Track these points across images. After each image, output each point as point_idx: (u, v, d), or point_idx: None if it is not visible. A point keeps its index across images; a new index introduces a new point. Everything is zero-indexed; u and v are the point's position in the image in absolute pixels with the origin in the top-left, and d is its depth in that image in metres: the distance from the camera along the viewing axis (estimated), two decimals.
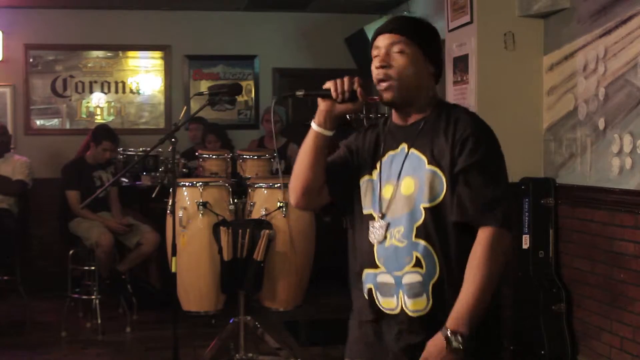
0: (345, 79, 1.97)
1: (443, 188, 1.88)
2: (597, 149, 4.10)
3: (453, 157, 1.88)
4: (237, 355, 4.21)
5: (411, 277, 1.90)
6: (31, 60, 6.91)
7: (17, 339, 5.12)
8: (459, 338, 1.80)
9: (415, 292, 1.90)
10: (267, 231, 4.13)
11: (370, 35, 6.15)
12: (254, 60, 7.21)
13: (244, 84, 7.10)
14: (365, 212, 2.00)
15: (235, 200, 4.38)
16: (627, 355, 3.86)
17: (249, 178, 4.52)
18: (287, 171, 5.50)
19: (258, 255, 4.10)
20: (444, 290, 1.88)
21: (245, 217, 4.35)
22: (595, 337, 4.17)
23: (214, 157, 4.78)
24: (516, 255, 4.49)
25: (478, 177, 1.87)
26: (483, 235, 1.86)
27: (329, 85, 1.96)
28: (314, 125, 1.99)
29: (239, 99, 7.16)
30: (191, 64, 7.17)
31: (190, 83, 7.16)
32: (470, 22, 4.51)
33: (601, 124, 4.04)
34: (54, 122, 7.03)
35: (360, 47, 6.00)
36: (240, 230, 4.12)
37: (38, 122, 6.98)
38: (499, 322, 2.03)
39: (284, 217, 4.23)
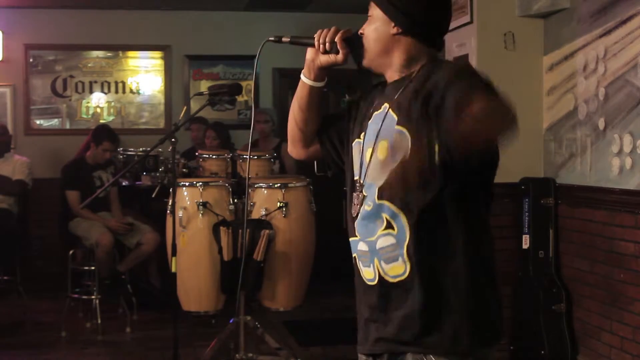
0: (330, 30, 1.93)
1: (407, 146, 1.75)
2: (597, 149, 4.10)
3: (427, 111, 1.73)
4: (237, 355, 4.21)
5: (384, 241, 1.81)
6: (31, 60, 6.91)
7: (17, 339, 5.13)
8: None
9: (390, 256, 1.80)
10: (267, 231, 4.13)
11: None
12: (254, 60, 7.20)
13: (244, 84, 7.10)
14: (354, 177, 1.93)
15: (235, 200, 4.38)
16: (627, 355, 3.86)
17: (250, 178, 4.52)
18: (282, 171, 5.53)
19: (258, 255, 4.10)
20: (420, 253, 1.76)
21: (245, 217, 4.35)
22: (595, 337, 4.17)
23: (214, 157, 4.78)
24: (516, 255, 4.49)
25: (457, 97, 1.67)
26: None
27: (316, 34, 1.94)
28: (301, 75, 1.99)
29: (239, 99, 7.16)
30: (191, 64, 7.17)
31: (190, 83, 7.16)
32: (470, 22, 4.51)
33: (601, 124, 4.04)
34: (54, 122, 7.03)
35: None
36: (240, 230, 4.12)
37: (38, 122, 6.98)
38: (498, 304, 1.90)
39: (284, 217, 4.23)
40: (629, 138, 3.80)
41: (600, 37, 4.04)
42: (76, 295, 5.39)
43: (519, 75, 4.58)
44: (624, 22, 3.84)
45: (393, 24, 1.86)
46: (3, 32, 6.75)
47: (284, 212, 4.22)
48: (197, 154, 5.02)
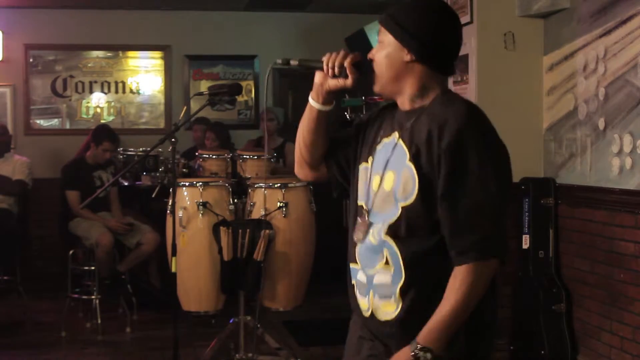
0: (339, 54, 1.90)
1: (415, 190, 1.76)
2: (597, 149, 4.10)
3: (432, 161, 1.74)
4: (237, 355, 4.21)
5: (381, 277, 1.82)
6: (31, 60, 6.91)
7: (17, 339, 5.13)
8: (428, 355, 1.70)
9: (384, 293, 1.81)
10: (267, 231, 4.13)
11: (370, 35, 6.18)
12: (254, 60, 7.21)
13: (244, 84, 7.10)
14: (358, 202, 1.92)
15: (235, 200, 4.38)
16: (627, 355, 3.86)
17: (249, 178, 4.52)
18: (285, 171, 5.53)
19: (258, 255, 4.10)
20: (412, 296, 1.77)
21: (245, 217, 4.35)
22: (595, 337, 4.17)
23: (214, 157, 4.77)
24: (516, 255, 4.49)
25: (461, 193, 1.71)
26: (460, 270, 1.72)
27: (324, 57, 1.92)
28: (310, 98, 1.97)
29: (239, 99, 7.16)
30: (191, 64, 7.17)
31: (190, 83, 7.16)
32: (470, 22, 4.51)
33: (601, 124, 4.04)
34: (54, 122, 7.03)
35: (360, 47, 5.99)
36: (240, 230, 4.11)
37: (38, 122, 6.98)
38: (492, 336, 1.88)
39: (284, 217, 4.22)
40: (629, 138, 3.80)
41: (600, 37, 4.04)
42: (76, 295, 5.39)
43: (519, 75, 4.58)
44: (624, 22, 3.84)
45: (406, 51, 1.83)
46: (3, 32, 6.75)
47: (284, 212, 4.22)
48: (197, 154, 5.02)
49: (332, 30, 6.95)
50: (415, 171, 1.76)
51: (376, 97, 4.88)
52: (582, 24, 4.21)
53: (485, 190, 1.71)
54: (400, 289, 1.78)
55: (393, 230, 1.78)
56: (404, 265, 1.77)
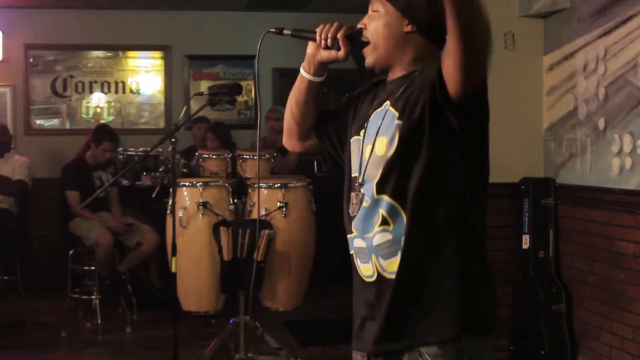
0: (332, 26, 1.89)
1: (396, 139, 1.74)
2: (597, 149, 4.10)
3: (420, 104, 1.72)
4: (237, 355, 4.21)
5: (380, 237, 1.79)
6: (31, 60, 6.91)
7: (17, 339, 5.13)
8: None
9: (387, 252, 1.78)
10: (267, 231, 4.13)
11: None
12: (254, 60, 7.21)
13: (244, 84, 7.10)
14: (352, 174, 1.91)
15: (235, 200, 4.38)
16: (627, 355, 3.86)
17: (249, 178, 4.52)
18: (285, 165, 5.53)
19: (258, 255, 4.10)
20: (418, 246, 1.74)
21: (245, 217, 4.35)
22: (595, 337, 4.17)
23: (214, 157, 4.77)
24: (516, 255, 4.49)
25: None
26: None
27: (319, 28, 1.91)
28: (301, 69, 1.97)
29: (239, 99, 7.16)
30: (191, 64, 7.17)
31: (190, 83, 7.16)
32: None
33: (601, 124, 4.04)
34: (54, 122, 7.03)
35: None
36: (240, 230, 4.12)
37: (38, 122, 6.98)
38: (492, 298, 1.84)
39: (284, 217, 4.22)
40: (629, 138, 3.80)
41: (600, 37, 4.04)
42: (76, 295, 5.39)
43: (519, 75, 4.58)
44: (624, 22, 3.84)
45: (407, 22, 1.82)
46: (3, 32, 6.75)
47: (284, 212, 4.22)
48: (197, 154, 5.02)
49: None
50: (401, 123, 1.75)
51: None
52: (582, 24, 4.21)
53: None
54: (405, 243, 1.75)
55: (382, 186, 1.77)
56: (406, 217, 1.75)
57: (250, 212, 4.29)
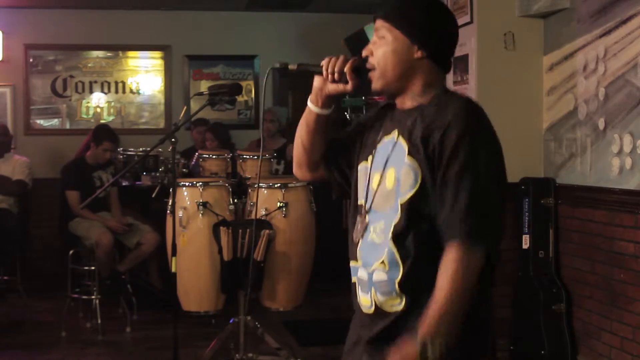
0: (339, 59, 1.88)
1: (417, 182, 1.75)
2: (597, 149, 4.10)
3: (433, 153, 1.73)
4: (237, 355, 4.21)
5: (379, 275, 1.81)
6: (31, 60, 6.91)
7: (17, 339, 5.12)
8: (435, 343, 1.67)
9: (384, 290, 1.80)
10: (267, 231, 4.13)
11: (370, 35, 6.17)
12: (254, 60, 7.21)
13: (244, 84, 7.10)
14: (358, 201, 1.91)
15: (235, 200, 4.38)
16: (627, 355, 3.86)
17: (249, 178, 4.52)
18: (287, 172, 5.54)
19: (258, 255, 4.10)
20: (413, 288, 1.77)
21: (245, 217, 4.35)
22: (595, 337, 4.17)
23: (214, 157, 4.78)
24: (516, 255, 4.49)
25: (455, 185, 1.70)
26: (448, 253, 1.70)
27: (323, 62, 1.90)
28: (308, 102, 1.96)
29: (239, 99, 7.16)
30: (191, 64, 7.17)
31: (190, 83, 7.17)
32: (471, 22, 4.51)
33: (601, 124, 4.04)
34: (54, 122, 7.03)
35: (360, 47, 5.99)
36: (240, 230, 4.12)
37: (38, 122, 6.98)
38: (488, 333, 1.87)
39: (284, 217, 4.23)
40: (629, 138, 3.80)
41: (600, 37, 4.04)
42: (76, 295, 5.39)
43: (519, 75, 4.58)
44: (624, 22, 3.84)
45: (416, 48, 1.82)
46: (3, 32, 6.75)
47: (284, 212, 4.22)
48: (197, 154, 5.02)
49: (332, 30, 6.95)
50: (416, 163, 1.76)
51: (376, 97, 4.88)
52: (582, 24, 4.21)
53: (478, 184, 1.71)
54: (399, 284, 1.78)
55: (396, 232, 1.78)
56: (402, 263, 1.77)
57: (250, 212, 4.29)
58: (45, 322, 5.48)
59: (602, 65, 4.03)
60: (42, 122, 7.00)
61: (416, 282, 1.77)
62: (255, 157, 4.70)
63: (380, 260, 1.80)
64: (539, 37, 4.60)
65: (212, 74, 7.21)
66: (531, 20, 4.56)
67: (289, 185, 4.29)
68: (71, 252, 5.44)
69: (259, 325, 4.22)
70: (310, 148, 2.00)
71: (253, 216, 4.26)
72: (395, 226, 1.78)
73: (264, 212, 4.22)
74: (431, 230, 1.75)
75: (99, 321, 5.17)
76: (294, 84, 7.25)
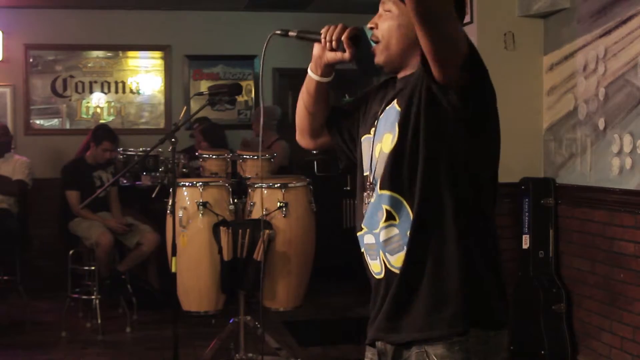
0: (337, 27, 1.89)
1: (396, 131, 1.75)
2: (597, 149, 4.10)
3: (418, 95, 1.73)
4: (237, 355, 4.21)
5: (387, 232, 1.79)
6: (31, 60, 6.91)
7: (17, 339, 5.13)
8: None
9: (394, 247, 1.78)
10: (267, 231, 4.13)
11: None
12: (254, 60, 7.21)
13: (244, 84, 7.10)
14: (364, 172, 1.91)
15: (235, 200, 4.38)
16: (627, 355, 3.86)
17: (249, 178, 4.52)
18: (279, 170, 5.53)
19: (258, 255, 4.10)
20: (425, 238, 1.74)
21: (245, 217, 4.35)
22: (595, 337, 4.17)
23: (214, 157, 4.77)
24: (516, 255, 4.49)
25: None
26: None
27: (322, 30, 1.92)
28: (308, 70, 1.98)
29: (239, 99, 7.16)
30: (191, 64, 7.17)
31: (190, 83, 7.16)
32: (470, 22, 4.51)
33: (601, 124, 4.04)
34: (54, 122, 7.03)
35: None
36: (240, 230, 4.12)
37: (38, 122, 6.98)
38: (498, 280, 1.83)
39: (284, 217, 4.22)
40: (629, 138, 3.80)
41: (600, 37, 4.04)
42: (76, 295, 5.39)
43: (519, 75, 4.58)
44: (624, 22, 3.84)
45: None
46: (3, 32, 6.75)
47: (284, 212, 4.22)
48: (197, 153, 5.02)
49: None
50: (400, 112, 1.76)
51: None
52: (582, 24, 4.21)
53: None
54: (411, 235, 1.75)
55: (384, 181, 1.77)
56: (411, 211, 1.75)
57: (250, 212, 4.29)
58: (45, 322, 5.48)
59: (602, 65, 4.03)
60: (42, 122, 7.00)
61: (425, 233, 1.74)
62: (256, 157, 4.70)
63: (385, 216, 1.78)
64: (539, 37, 4.60)
65: (212, 74, 7.21)
66: (531, 20, 4.56)
67: (289, 185, 4.29)
68: (71, 252, 5.44)
69: (259, 325, 4.22)
70: (311, 116, 2.03)
71: (253, 216, 4.26)
72: (382, 177, 1.77)
73: (264, 212, 4.21)
74: (429, 178, 1.73)
75: (99, 321, 5.17)
76: (294, 84, 7.24)
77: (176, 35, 7.06)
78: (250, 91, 7.29)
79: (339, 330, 5.21)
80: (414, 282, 1.75)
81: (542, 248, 4.45)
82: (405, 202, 1.76)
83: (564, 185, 4.44)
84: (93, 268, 5.32)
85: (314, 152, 4.30)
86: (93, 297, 5.27)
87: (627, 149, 3.82)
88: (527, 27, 4.56)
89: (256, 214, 4.25)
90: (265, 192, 4.29)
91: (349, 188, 5.20)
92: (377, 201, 1.81)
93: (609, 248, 4.01)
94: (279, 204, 4.22)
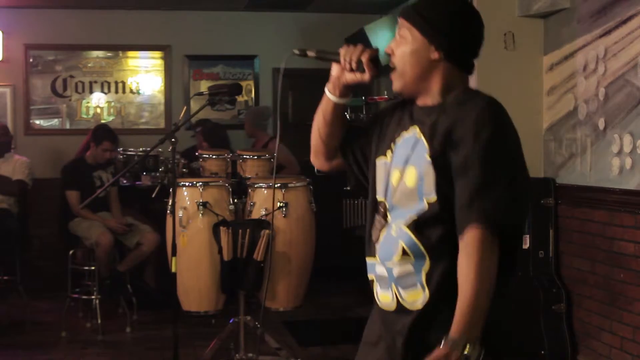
0: (356, 48, 1.88)
1: (434, 186, 1.76)
2: (597, 149, 4.10)
3: (450, 152, 1.74)
4: (237, 355, 4.21)
5: (401, 268, 1.80)
6: (31, 60, 6.91)
7: (17, 339, 5.12)
8: (474, 347, 1.65)
9: (407, 283, 1.79)
10: (267, 231, 4.13)
11: (370, 35, 6.17)
12: (254, 60, 7.21)
13: (244, 84, 7.10)
14: (377, 197, 1.91)
15: (235, 200, 4.38)
16: (627, 355, 3.86)
17: (249, 178, 4.52)
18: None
19: (258, 255, 4.10)
20: (438, 280, 1.75)
21: (245, 217, 4.35)
22: (595, 337, 4.17)
23: (214, 157, 4.77)
24: None
25: (470, 172, 1.70)
26: (467, 237, 1.69)
27: (342, 50, 1.91)
28: (326, 90, 1.97)
29: (239, 99, 7.16)
30: (191, 64, 7.17)
31: (190, 83, 7.16)
32: None
33: (601, 124, 4.04)
34: (54, 122, 7.03)
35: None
36: (240, 230, 4.12)
37: (38, 122, 6.98)
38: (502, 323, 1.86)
39: (284, 217, 4.22)
40: (629, 138, 3.80)
41: (600, 37, 4.04)
42: (76, 295, 5.39)
43: (519, 75, 4.58)
44: (624, 22, 3.84)
45: (433, 48, 1.81)
46: (3, 32, 6.75)
47: (284, 212, 4.22)
48: (197, 153, 5.02)
49: (332, 30, 6.95)
50: (433, 167, 1.76)
51: (376, 97, 4.88)
52: (582, 24, 4.21)
53: (495, 175, 1.71)
54: (426, 274, 1.77)
55: (415, 223, 1.77)
56: (426, 250, 1.76)
57: (250, 212, 4.29)
58: (45, 322, 5.48)
59: (602, 65, 4.03)
60: (42, 122, 7.00)
61: (441, 273, 1.76)
62: (256, 157, 4.70)
63: (400, 253, 1.79)
64: (539, 37, 4.60)
65: (212, 74, 7.21)
66: (531, 20, 4.56)
67: (289, 185, 4.29)
68: (71, 252, 5.44)
69: (259, 325, 4.22)
70: (328, 137, 2.01)
71: (253, 216, 4.26)
72: (415, 219, 1.78)
73: (263, 212, 4.22)
74: (452, 224, 1.75)
75: (99, 321, 5.17)
76: (293, 85, 7.24)
77: (176, 35, 7.06)
78: (250, 91, 7.28)
79: (339, 330, 5.21)
80: (433, 319, 1.77)
81: (542, 248, 4.45)
82: (421, 246, 1.77)
83: (564, 185, 4.44)
84: (93, 268, 5.32)
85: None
86: (93, 297, 5.27)
87: (627, 149, 3.82)
88: (527, 27, 4.56)
89: (256, 214, 4.25)
90: (265, 192, 4.29)
91: (349, 188, 5.20)
92: (396, 236, 1.81)
93: (609, 248, 4.01)
94: (279, 204, 4.22)
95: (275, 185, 4.30)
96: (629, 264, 3.84)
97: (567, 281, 4.42)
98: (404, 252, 1.79)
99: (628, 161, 3.82)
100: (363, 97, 5.32)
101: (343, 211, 5.51)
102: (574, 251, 4.37)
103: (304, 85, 5.73)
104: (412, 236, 1.78)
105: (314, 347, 4.87)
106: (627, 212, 3.85)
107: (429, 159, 1.77)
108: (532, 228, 4.45)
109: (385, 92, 5.67)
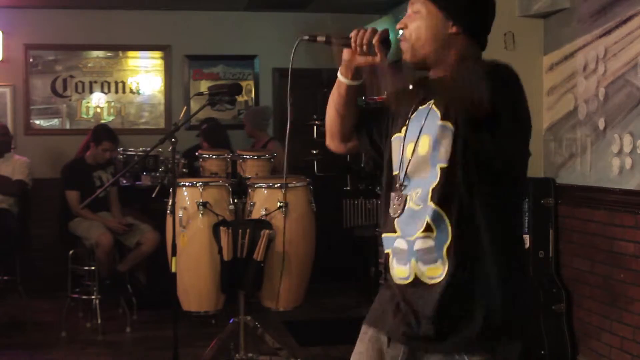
0: (367, 31, 1.89)
1: (451, 144, 1.77)
2: (597, 149, 4.10)
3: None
4: (237, 355, 4.21)
5: (422, 243, 1.80)
6: (31, 60, 6.91)
7: (17, 339, 5.13)
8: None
9: (428, 258, 1.80)
10: (267, 231, 4.13)
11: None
12: (254, 60, 7.21)
13: (244, 84, 7.10)
14: (393, 172, 1.93)
15: (235, 200, 4.38)
16: (627, 355, 3.86)
17: (249, 178, 4.52)
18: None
19: (258, 255, 4.10)
20: (459, 256, 1.77)
21: (245, 217, 4.35)
22: (595, 337, 4.17)
23: (214, 157, 4.77)
24: None
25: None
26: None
27: (352, 33, 1.93)
28: (338, 74, 2.00)
29: (239, 99, 7.15)
30: (191, 64, 7.17)
31: (190, 83, 7.16)
32: None
33: (601, 124, 4.04)
34: (54, 122, 7.03)
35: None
36: (240, 230, 4.12)
37: (38, 122, 6.98)
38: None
39: (284, 217, 4.22)
40: (629, 138, 3.80)
41: (600, 37, 4.04)
42: (76, 295, 5.39)
43: (519, 75, 4.58)
44: (624, 22, 3.84)
45: (451, 23, 1.83)
46: (3, 32, 6.74)
47: (284, 212, 4.22)
48: (197, 153, 5.02)
49: (332, 30, 6.94)
50: (450, 125, 1.77)
51: (376, 97, 4.88)
52: (582, 24, 4.21)
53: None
54: (447, 250, 1.77)
55: (437, 195, 1.78)
56: (451, 227, 1.77)
57: (250, 212, 4.29)
58: (45, 322, 5.48)
59: (602, 65, 4.03)
60: (42, 122, 7.00)
61: (464, 248, 1.77)
62: (256, 157, 4.70)
63: (424, 227, 1.80)
64: (539, 37, 4.60)
65: (212, 74, 7.21)
66: (531, 20, 4.56)
67: (289, 185, 4.29)
68: (71, 252, 5.44)
69: (259, 325, 4.22)
70: (342, 120, 2.04)
71: (253, 216, 4.25)
72: (433, 190, 1.79)
73: (263, 212, 4.22)
74: (477, 196, 1.77)
75: (99, 321, 5.18)
76: (294, 84, 7.24)
77: (176, 35, 7.06)
78: (250, 91, 7.28)
79: (339, 330, 5.21)
80: (455, 296, 1.78)
81: (542, 248, 4.45)
82: (446, 217, 1.78)
83: (564, 185, 4.44)
84: (93, 268, 5.32)
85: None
86: (93, 297, 5.27)
87: (627, 149, 3.82)
88: (527, 27, 4.56)
89: (256, 214, 4.25)
90: (265, 192, 4.29)
91: (349, 188, 5.20)
92: (422, 211, 1.81)
93: (609, 248, 4.01)
94: (279, 204, 4.22)
95: (275, 185, 4.30)
96: (629, 264, 3.84)
97: (567, 281, 4.42)
98: (427, 227, 1.79)
99: (628, 161, 3.82)
100: (363, 97, 5.32)
101: (343, 211, 5.50)
102: (574, 251, 4.37)
103: (304, 84, 5.74)
104: (439, 210, 1.78)
105: (314, 347, 4.87)
106: (627, 212, 3.85)
107: (440, 122, 1.78)
108: (532, 228, 4.45)
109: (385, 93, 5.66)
